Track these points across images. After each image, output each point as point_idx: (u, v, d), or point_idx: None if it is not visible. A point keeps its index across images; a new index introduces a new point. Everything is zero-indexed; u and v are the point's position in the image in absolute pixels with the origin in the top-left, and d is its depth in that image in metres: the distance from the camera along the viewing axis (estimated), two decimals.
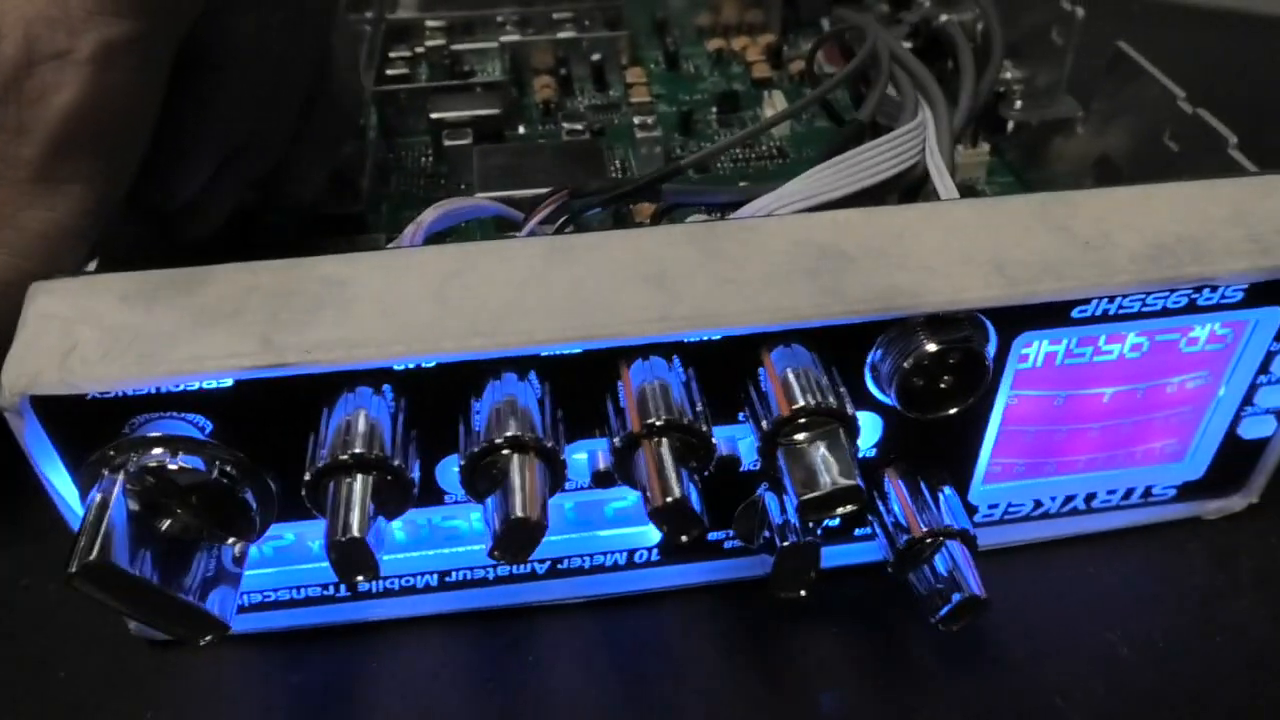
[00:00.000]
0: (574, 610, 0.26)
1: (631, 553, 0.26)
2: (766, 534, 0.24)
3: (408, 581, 0.26)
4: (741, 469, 0.24)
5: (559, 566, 0.26)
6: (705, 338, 0.22)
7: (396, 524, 0.24)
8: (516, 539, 0.20)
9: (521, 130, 0.40)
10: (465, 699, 0.25)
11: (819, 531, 0.24)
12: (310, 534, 0.25)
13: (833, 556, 0.26)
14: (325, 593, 0.26)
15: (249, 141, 0.27)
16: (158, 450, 0.21)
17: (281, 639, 0.26)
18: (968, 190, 0.37)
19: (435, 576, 0.26)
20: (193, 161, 0.25)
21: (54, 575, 0.27)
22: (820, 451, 0.20)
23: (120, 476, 0.20)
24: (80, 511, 0.22)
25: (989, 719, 0.24)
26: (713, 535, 0.26)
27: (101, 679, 0.25)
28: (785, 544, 0.24)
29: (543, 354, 0.21)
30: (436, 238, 0.27)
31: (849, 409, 0.21)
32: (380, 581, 0.26)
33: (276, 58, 0.26)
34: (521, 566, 0.26)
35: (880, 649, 0.26)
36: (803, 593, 0.24)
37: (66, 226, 0.23)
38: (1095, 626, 0.26)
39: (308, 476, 0.20)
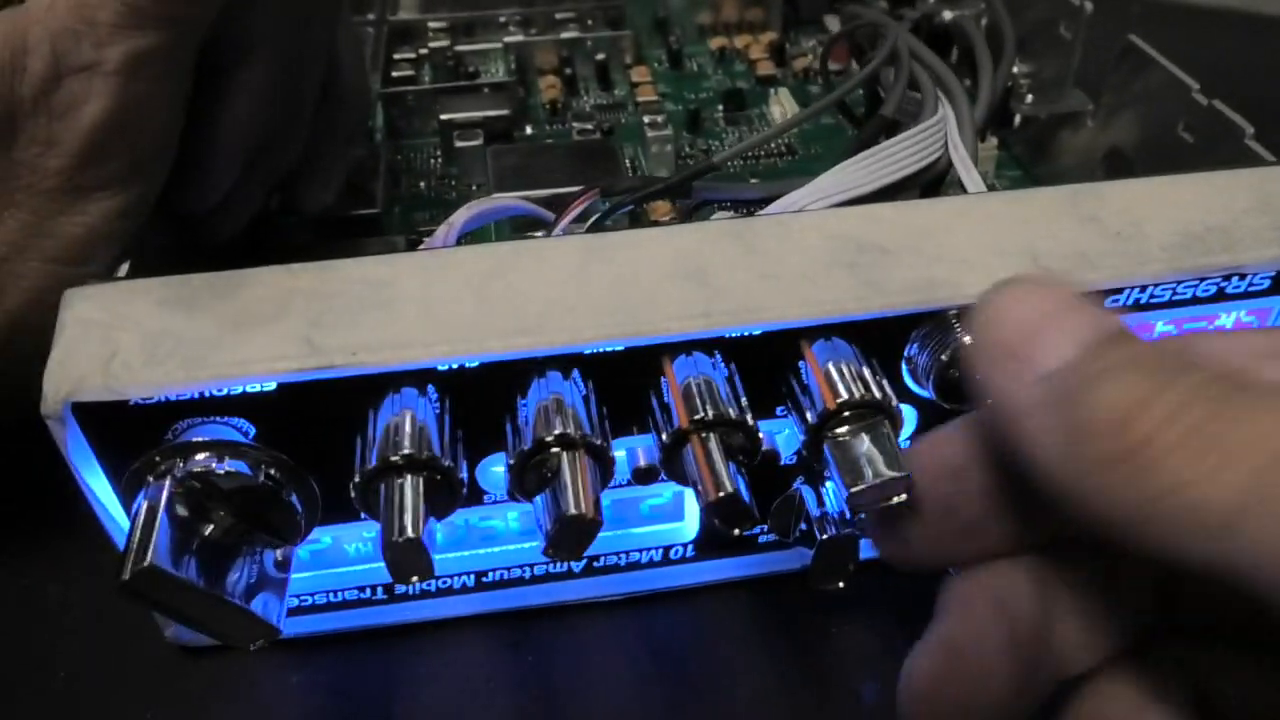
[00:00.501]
0: (611, 608, 0.27)
1: (667, 549, 0.26)
2: (804, 527, 0.25)
3: (445, 583, 0.26)
4: (780, 463, 0.24)
5: (595, 564, 0.26)
6: (747, 333, 0.22)
7: (435, 525, 0.24)
8: (571, 536, 0.20)
9: (529, 130, 0.40)
10: (502, 696, 0.25)
11: (855, 524, 0.24)
12: (347, 537, 0.25)
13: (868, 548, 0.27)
14: (361, 595, 0.26)
15: (270, 141, 0.27)
16: (203, 455, 0.21)
17: (281, 639, 0.26)
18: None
19: (472, 577, 0.26)
20: (220, 164, 0.25)
21: (55, 575, 0.27)
22: (866, 444, 0.21)
23: (167, 482, 0.20)
24: (120, 517, 0.22)
25: None
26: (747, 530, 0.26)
27: (102, 679, 0.25)
28: (824, 537, 0.24)
29: (586, 352, 0.21)
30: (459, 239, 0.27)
31: (893, 401, 0.21)
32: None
33: (288, 55, 0.26)
34: (558, 565, 0.26)
35: (889, 647, 0.26)
36: (841, 585, 0.24)
37: (99, 231, 0.23)
38: None
39: (358, 478, 0.20)
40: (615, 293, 0.22)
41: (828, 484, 0.24)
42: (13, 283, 0.24)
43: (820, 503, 0.24)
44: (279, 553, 0.22)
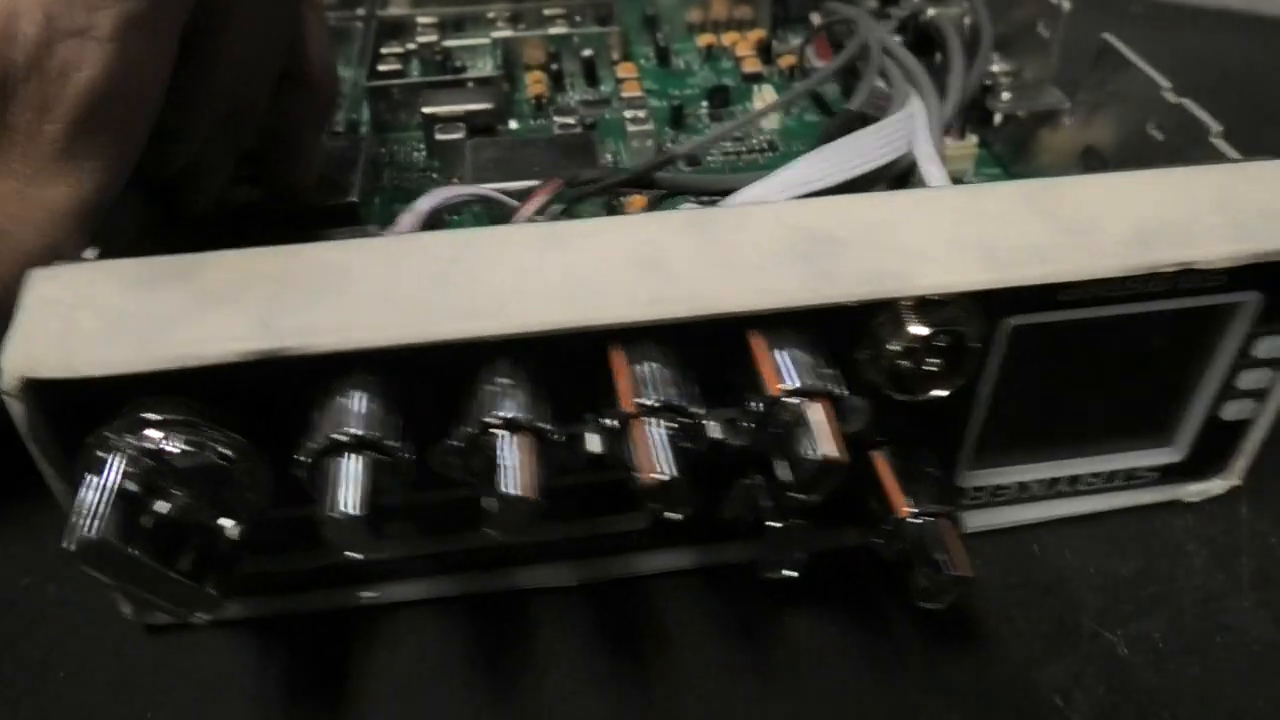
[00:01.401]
0: (566, 594, 0.27)
1: (624, 536, 0.26)
2: (757, 516, 0.25)
3: (401, 566, 0.26)
4: (734, 451, 0.24)
5: (551, 550, 0.26)
6: (697, 320, 0.22)
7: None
8: (513, 518, 0.20)
9: (514, 125, 0.40)
10: (456, 682, 0.25)
11: (809, 511, 0.24)
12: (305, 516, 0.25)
13: (823, 538, 0.27)
14: (319, 577, 0.26)
15: (239, 107, 0.27)
16: (155, 432, 0.21)
17: (283, 637, 0.26)
18: (954, 183, 0.37)
19: (429, 561, 0.26)
20: (189, 131, 0.26)
21: (53, 575, 0.27)
22: (808, 431, 0.21)
23: (116, 456, 0.20)
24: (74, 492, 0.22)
25: (988, 718, 0.24)
26: (702, 518, 0.26)
27: (101, 679, 0.25)
28: (775, 526, 0.24)
29: (537, 336, 0.22)
30: (429, 227, 0.27)
31: (838, 390, 0.21)
32: (375, 566, 0.26)
33: (262, 18, 0.26)
34: (514, 551, 0.26)
35: (873, 639, 0.26)
36: (794, 574, 0.25)
37: (90, 202, 0.23)
38: (1095, 626, 0.26)
39: (304, 457, 0.21)
40: (569, 279, 0.22)
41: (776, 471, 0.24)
42: (5, 255, 0.24)
43: (773, 491, 0.24)
44: (232, 530, 0.22)
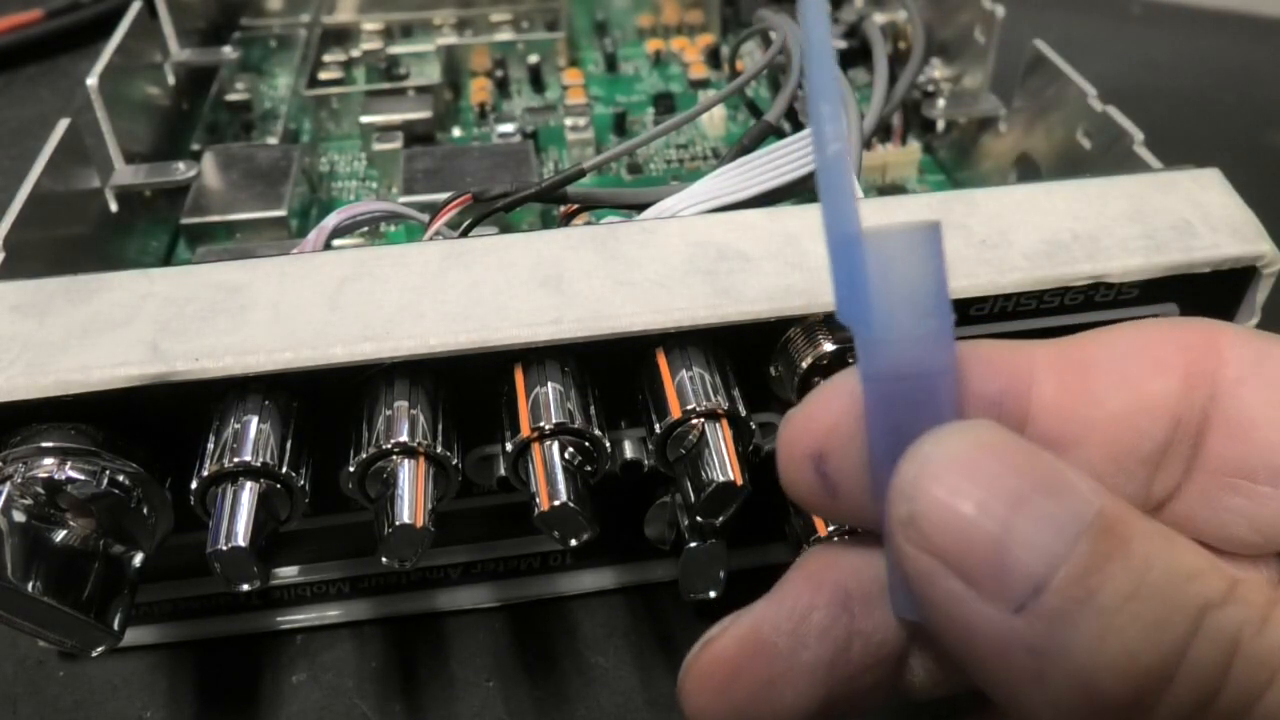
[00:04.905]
0: (488, 615, 0.26)
1: (546, 556, 0.26)
2: (678, 535, 0.24)
3: (320, 589, 0.26)
4: (651, 470, 0.24)
5: (473, 571, 0.26)
6: (599, 340, 0.21)
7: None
8: (403, 544, 0.20)
9: (457, 133, 0.40)
10: (372, 705, 0.25)
11: (728, 531, 0.24)
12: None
13: (748, 557, 0.26)
14: (235, 600, 0.26)
15: None
16: (47, 460, 0.21)
17: (284, 638, 0.26)
18: (898, 190, 0.37)
19: (347, 584, 0.26)
20: None
21: None
22: (708, 452, 0.20)
23: (6, 487, 0.20)
24: None
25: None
26: (626, 538, 0.26)
27: (101, 679, 0.25)
28: (692, 545, 0.23)
29: (436, 358, 0.21)
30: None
31: (740, 410, 0.21)
32: (294, 589, 0.26)
33: None
34: (437, 572, 0.26)
35: None
36: (713, 594, 0.24)
37: None
38: None
39: (194, 484, 0.20)
40: (469, 299, 0.22)
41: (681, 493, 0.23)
42: None
43: (687, 511, 0.24)
44: (128, 558, 0.22)
